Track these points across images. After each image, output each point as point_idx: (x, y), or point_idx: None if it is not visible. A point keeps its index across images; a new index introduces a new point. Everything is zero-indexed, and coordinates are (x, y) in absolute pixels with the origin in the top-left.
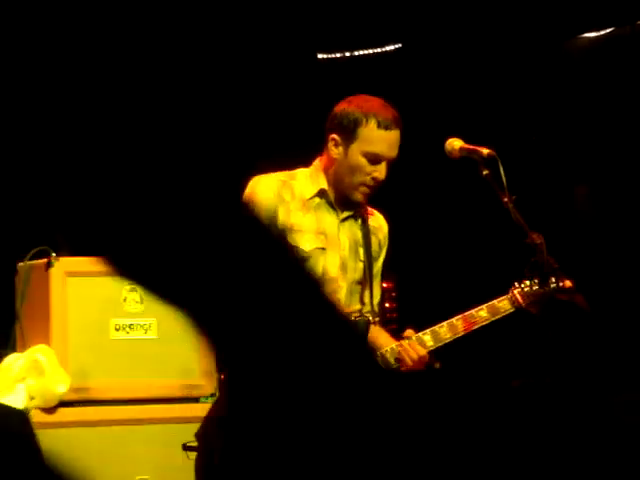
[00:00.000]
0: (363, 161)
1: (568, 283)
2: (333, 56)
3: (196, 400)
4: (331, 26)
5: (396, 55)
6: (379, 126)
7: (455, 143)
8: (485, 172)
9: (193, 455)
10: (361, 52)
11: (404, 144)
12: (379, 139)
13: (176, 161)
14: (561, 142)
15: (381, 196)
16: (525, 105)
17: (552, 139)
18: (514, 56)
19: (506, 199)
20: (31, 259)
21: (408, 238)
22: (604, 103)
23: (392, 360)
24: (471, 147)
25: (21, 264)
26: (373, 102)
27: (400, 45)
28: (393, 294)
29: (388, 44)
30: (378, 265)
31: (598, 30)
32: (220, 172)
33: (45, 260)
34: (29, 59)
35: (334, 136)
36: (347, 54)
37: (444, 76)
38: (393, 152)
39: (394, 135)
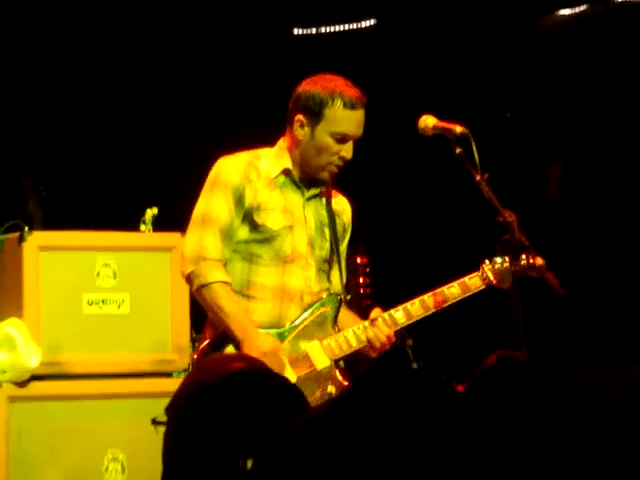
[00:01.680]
0: (330, 141)
1: (539, 261)
2: (308, 32)
3: (169, 375)
4: (307, 1)
5: (371, 31)
6: (345, 106)
7: (428, 120)
8: (458, 150)
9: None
10: (336, 28)
11: (379, 121)
12: (345, 119)
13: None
14: (535, 120)
15: (354, 173)
16: (500, 82)
17: (526, 117)
18: (489, 33)
19: (478, 177)
20: (4, 233)
21: (382, 215)
22: (578, 80)
23: (362, 338)
24: (444, 124)
25: None
26: (337, 82)
27: (375, 21)
28: (367, 269)
29: (363, 20)
30: (343, 247)
31: (572, 7)
32: (192, 149)
33: (18, 234)
34: None
35: (300, 117)
36: (322, 30)
37: (419, 53)
38: (359, 131)
39: (360, 114)
